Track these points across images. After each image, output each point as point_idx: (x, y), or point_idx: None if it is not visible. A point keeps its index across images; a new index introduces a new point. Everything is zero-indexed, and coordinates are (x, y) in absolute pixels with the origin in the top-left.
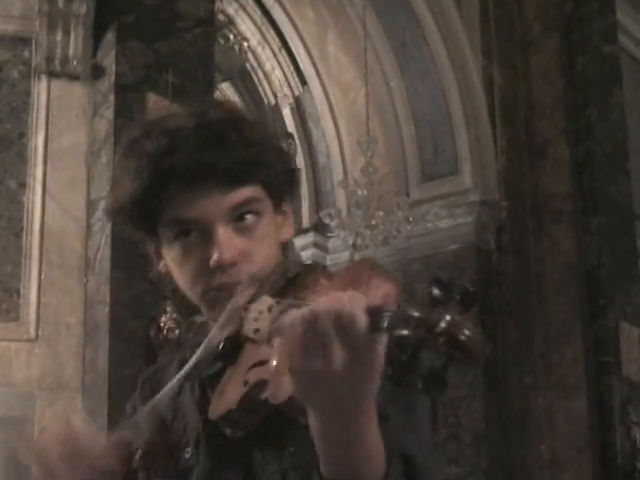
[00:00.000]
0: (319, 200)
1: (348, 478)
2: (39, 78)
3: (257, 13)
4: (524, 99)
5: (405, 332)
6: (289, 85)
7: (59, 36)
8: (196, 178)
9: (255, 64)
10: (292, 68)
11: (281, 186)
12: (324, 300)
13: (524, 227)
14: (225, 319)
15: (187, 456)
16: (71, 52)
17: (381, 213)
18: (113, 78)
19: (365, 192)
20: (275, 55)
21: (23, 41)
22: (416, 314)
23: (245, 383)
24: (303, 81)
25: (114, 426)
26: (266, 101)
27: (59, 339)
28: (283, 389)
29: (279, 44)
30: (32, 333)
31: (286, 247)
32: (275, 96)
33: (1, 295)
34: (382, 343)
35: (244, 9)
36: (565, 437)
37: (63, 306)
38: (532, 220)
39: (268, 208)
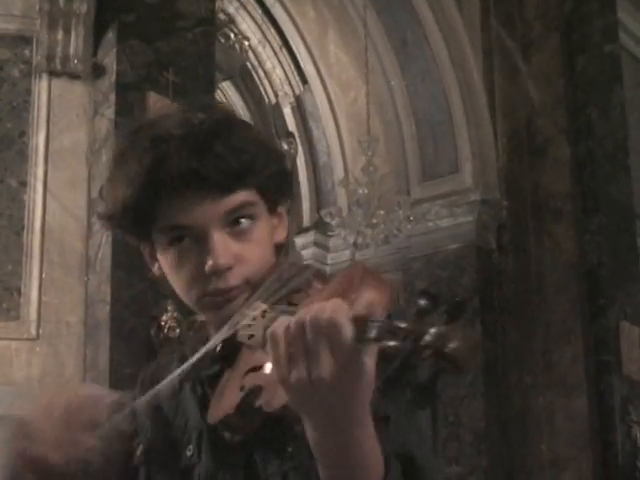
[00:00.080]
0: (320, 199)
1: None
2: (40, 77)
3: (258, 12)
4: (524, 98)
5: (392, 343)
6: (290, 84)
7: (60, 35)
8: (191, 184)
9: (256, 63)
10: (293, 67)
11: (275, 189)
12: (307, 310)
13: (525, 226)
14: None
15: (189, 454)
16: (72, 51)
17: (382, 212)
18: (114, 77)
19: (366, 191)
20: (276, 54)
21: (24, 40)
22: (403, 325)
23: (242, 388)
24: (304, 80)
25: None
26: (267, 100)
27: (60, 338)
28: (277, 397)
29: (280, 43)
30: (33, 332)
31: (282, 248)
32: (276, 95)
33: (2, 294)
34: (372, 352)
35: (245, 8)
36: (565, 436)
37: (64, 305)
38: (533, 219)
39: (263, 211)
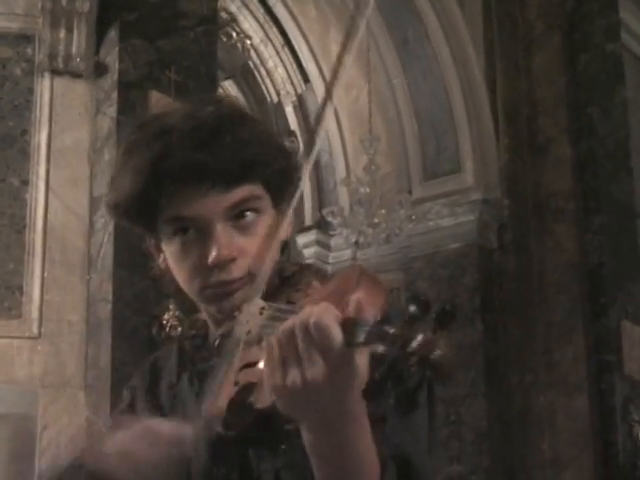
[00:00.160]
0: (321, 198)
1: None
2: (42, 75)
3: (260, 11)
4: (526, 97)
5: (380, 348)
6: (292, 83)
7: (62, 34)
8: (195, 177)
9: (258, 62)
10: (295, 66)
11: (281, 184)
12: (297, 316)
13: (526, 226)
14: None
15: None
16: (74, 50)
17: (383, 211)
18: (116, 76)
19: (367, 190)
20: (278, 53)
21: (26, 38)
22: (391, 330)
23: (236, 383)
24: (306, 79)
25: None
26: (269, 99)
27: (62, 336)
28: (268, 394)
29: (282, 42)
30: (35, 330)
31: (285, 246)
32: (278, 94)
33: (4, 292)
34: (362, 355)
35: (247, 7)
36: (566, 435)
37: (66, 303)
38: (534, 219)
39: (268, 206)
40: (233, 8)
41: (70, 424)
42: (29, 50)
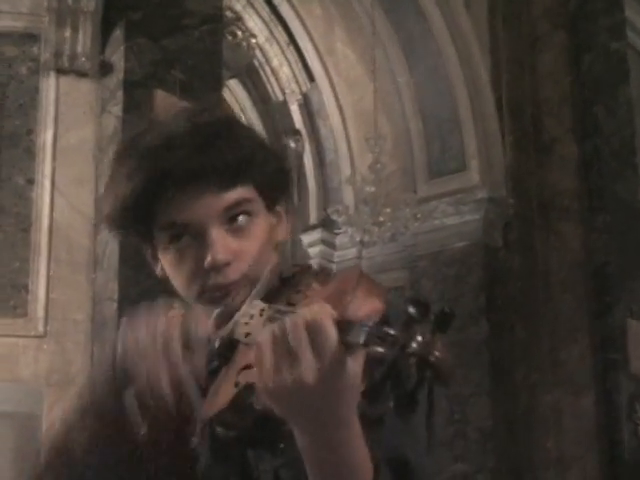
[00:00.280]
0: (327, 196)
1: None
2: (47, 74)
3: (265, 10)
4: (531, 96)
5: (380, 349)
6: (297, 81)
7: (67, 32)
8: (187, 182)
9: (263, 60)
10: (300, 64)
11: (273, 187)
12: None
13: (531, 224)
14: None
15: (194, 443)
16: (79, 48)
17: (388, 210)
18: (121, 74)
19: (373, 189)
20: (283, 52)
21: (31, 37)
22: (391, 332)
23: (236, 385)
24: (311, 77)
25: None
26: (274, 98)
27: (67, 335)
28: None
29: (287, 40)
30: (40, 329)
31: (282, 247)
32: (283, 92)
33: (9, 291)
34: (358, 356)
35: (252, 5)
36: (572, 434)
37: (71, 302)
38: (539, 217)
39: (261, 209)
40: (238, 7)
41: None
42: (34, 49)
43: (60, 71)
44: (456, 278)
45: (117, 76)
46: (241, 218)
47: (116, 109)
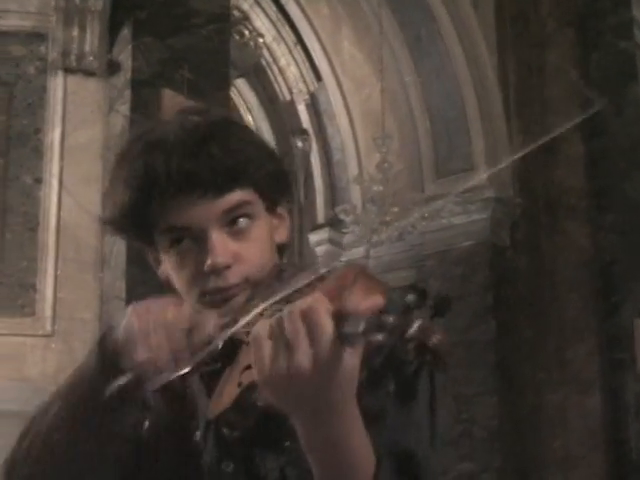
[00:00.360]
0: (334, 196)
1: None
2: (55, 74)
3: (272, 9)
4: (538, 95)
5: (379, 337)
6: (304, 81)
7: (75, 32)
8: (186, 186)
9: (270, 60)
10: (307, 64)
11: (273, 189)
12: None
13: (538, 223)
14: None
15: (197, 439)
16: (87, 48)
17: (396, 209)
18: (129, 74)
19: (380, 188)
20: (290, 51)
21: (39, 37)
22: (390, 319)
23: (239, 384)
24: (318, 77)
25: None
26: (281, 97)
27: (75, 334)
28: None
29: (294, 40)
30: (48, 328)
31: (284, 249)
32: (290, 92)
33: (17, 290)
34: (355, 347)
35: (259, 5)
36: (579, 433)
37: (79, 301)
38: (546, 216)
39: (261, 211)
40: (245, 6)
41: None
42: (42, 48)
43: (68, 70)
44: (463, 277)
45: (124, 75)
46: (241, 221)
47: (124, 108)
